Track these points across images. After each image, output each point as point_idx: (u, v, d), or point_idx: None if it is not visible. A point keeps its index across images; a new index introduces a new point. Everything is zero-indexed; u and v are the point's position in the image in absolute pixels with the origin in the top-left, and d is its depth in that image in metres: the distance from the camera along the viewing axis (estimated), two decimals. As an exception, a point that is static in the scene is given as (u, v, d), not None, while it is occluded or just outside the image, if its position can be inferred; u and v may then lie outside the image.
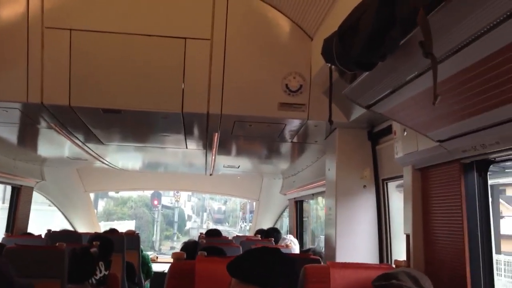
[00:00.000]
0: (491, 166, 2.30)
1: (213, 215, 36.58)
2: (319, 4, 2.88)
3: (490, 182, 2.33)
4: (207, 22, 3.30)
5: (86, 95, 3.28)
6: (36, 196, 7.42)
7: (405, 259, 2.66)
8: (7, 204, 6.75)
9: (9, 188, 6.69)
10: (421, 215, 2.59)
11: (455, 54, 1.47)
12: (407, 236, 2.69)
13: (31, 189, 6.86)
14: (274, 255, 1.87)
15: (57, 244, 3.40)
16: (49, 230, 5.45)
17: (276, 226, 9.43)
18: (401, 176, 2.92)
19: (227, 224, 34.84)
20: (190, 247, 4.68)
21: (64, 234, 5.49)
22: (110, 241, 4.36)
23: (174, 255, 2.44)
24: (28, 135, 4.79)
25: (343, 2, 2.54)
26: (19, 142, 5.17)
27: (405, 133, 2.64)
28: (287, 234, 7.20)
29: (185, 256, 2.48)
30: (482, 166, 2.26)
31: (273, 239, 5.75)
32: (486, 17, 1.26)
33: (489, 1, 1.19)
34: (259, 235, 6.37)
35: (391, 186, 3.60)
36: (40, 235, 5.52)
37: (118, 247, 4.99)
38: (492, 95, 1.61)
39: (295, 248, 5.56)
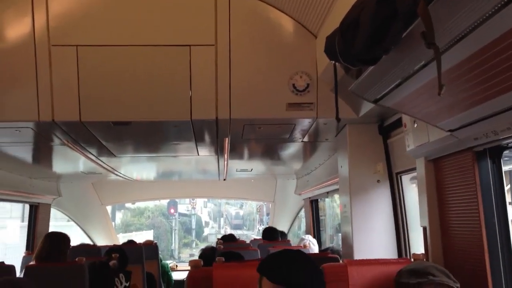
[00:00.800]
0: (505, 152, 2.28)
1: (230, 220, 36.51)
2: (320, 1, 2.88)
3: (506, 168, 2.31)
4: (211, 28, 3.31)
5: (95, 109, 3.31)
6: (55, 212, 7.49)
7: (423, 252, 2.64)
8: (26, 223, 6.82)
9: (27, 206, 6.77)
10: (436, 207, 2.57)
11: (459, 42, 1.46)
12: (424, 229, 2.68)
13: (48, 206, 6.93)
14: (306, 258, 1.89)
15: (76, 259, 3.43)
16: (68, 245, 5.49)
17: (292, 226, 9.44)
18: (414, 169, 2.90)
19: (245, 227, 34.83)
20: (208, 254, 4.70)
21: (83, 249, 5.53)
22: (124, 251, 4.40)
23: (192, 263, 2.45)
24: (42, 153, 4.85)
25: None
26: (34, 160, 5.23)
27: (415, 125, 2.62)
28: (304, 234, 7.17)
29: (202, 263, 2.49)
30: (495, 153, 2.24)
31: (290, 240, 5.73)
32: (486, 3, 1.25)
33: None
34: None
35: (405, 179, 3.58)
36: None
37: (137, 258, 5.03)
38: (499, 80, 1.60)
39: (314, 249, 5.52)
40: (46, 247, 3.64)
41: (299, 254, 1.91)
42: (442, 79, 1.40)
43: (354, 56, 1.70)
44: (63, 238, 3.83)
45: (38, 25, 3.22)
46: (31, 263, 3.76)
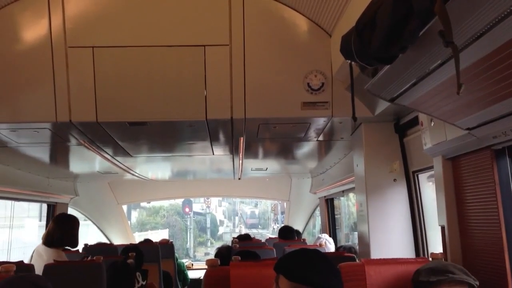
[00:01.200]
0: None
1: (245, 219, 36.41)
2: (335, 0, 2.87)
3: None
4: (225, 28, 3.32)
5: (112, 110, 3.34)
6: (71, 212, 7.58)
7: (441, 251, 2.61)
8: (44, 222, 6.92)
9: (45, 205, 6.86)
10: (455, 206, 2.54)
11: (477, 40, 1.44)
12: (442, 228, 2.65)
13: (66, 206, 7.02)
14: (323, 257, 1.88)
15: (94, 258, 3.47)
16: (85, 244, 5.56)
17: (307, 225, 9.42)
18: (431, 167, 2.88)
19: (260, 226, 34.83)
20: (224, 253, 4.71)
21: (100, 247, 5.59)
22: (140, 250, 4.43)
23: (208, 262, 2.46)
24: (59, 153, 4.91)
25: (359, -4, 2.52)
26: (51, 161, 5.29)
27: (432, 123, 2.60)
28: (320, 233, 7.15)
29: (219, 262, 2.50)
30: (515, 151, 2.21)
31: (305, 239, 5.72)
32: (504, 2, 1.23)
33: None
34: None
35: (422, 177, 3.55)
36: (77, 250, 5.65)
37: (154, 257, 5.07)
38: (518, 78, 1.58)
39: (331, 247, 5.51)
40: (57, 231, 3.66)
41: (317, 253, 1.90)
42: (460, 77, 1.39)
43: (370, 55, 1.69)
44: (73, 221, 3.86)
45: (54, 27, 3.26)
46: (40, 246, 3.77)
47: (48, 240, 3.65)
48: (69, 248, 4.17)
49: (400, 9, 1.49)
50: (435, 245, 3.33)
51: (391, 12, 1.51)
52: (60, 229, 3.70)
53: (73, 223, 3.85)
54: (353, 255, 3.77)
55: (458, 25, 1.39)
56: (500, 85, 1.68)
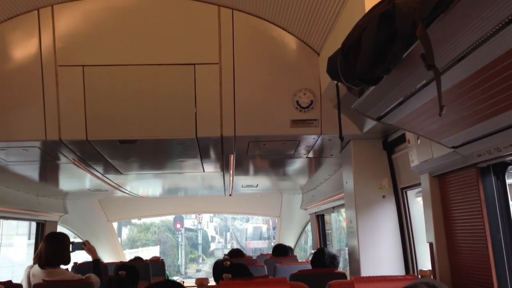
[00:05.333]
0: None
1: (246, 243, 35.01)
2: (323, 19, 2.92)
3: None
4: (215, 47, 3.35)
5: (102, 128, 3.35)
6: (61, 230, 7.50)
7: (430, 268, 2.63)
8: (33, 240, 6.83)
9: (34, 224, 6.78)
10: (442, 223, 2.57)
11: (459, 62, 1.48)
12: (431, 245, 2.67)
13: (55, 224, 6.95)
14: None
15: (84, 277, 3.44)
16: (75, 263, 5.49)
17: (299, 241, 9.40)
18: (420, 184, 2.90)
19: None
20: (221, 266, 4.66)
21: (90, 266, 5.52)
22: (135, 268, 4.40)
23: (198, 281, 2.45)
24: (48, 171, 4.89)
25: (346, 16, 2.57)
26: (41, 178, 5.26)
27: (419, 141, 2.64)
28: (312, 248, 7.15)
29: (208, 281, 2.48)
30: (499, 169, 2.24)
31: (297, 255, 5.72)
32: (484, 26, 1.27)
33: (484, 12, 1.20)
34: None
35: (411, 193, 3.58)
36: (67, 269, 5.58)
37: (144, 275, 5.03)
38: (500, 99, 1.61)
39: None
40: (50, 249, 3.63)
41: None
42: (443, 98, 1.42)
43: (356, 76, 1.72)
44: (64, 238, 3.84)
45: (44, 46, 3.28)
46: (33, 266, 3.74)
47: (41, 261, 3.61)
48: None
49: (384, 32, 1.53)
50: (424, 261, 3.35)
51: (375, 35, 1.55)
52: (52, 248, 3.67)
53: (64, 241, 3.82)
54: (344, 272, 3.78)
55: (439, 48, 1.42)
56: (482, 105, 1.72)
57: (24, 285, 3.74)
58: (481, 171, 2.26)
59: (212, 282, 2.78)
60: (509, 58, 1.38)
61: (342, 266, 7.74)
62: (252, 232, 30.02)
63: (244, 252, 6.57)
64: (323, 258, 4.00)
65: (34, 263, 3.82)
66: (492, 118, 1.76)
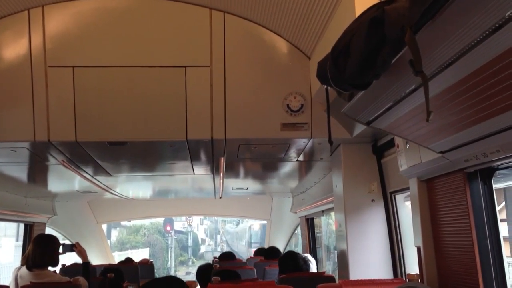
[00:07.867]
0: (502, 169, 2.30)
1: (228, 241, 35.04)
2: (314, 24, 2.93)
3: (502, 185, 2.32)
4: (206, 49, 3.35)
5: (91, 129, 3.33)
6: (49, 231, 7.45)
7: (417, 271, 2.65)
8: (21, 242, 6.77)
9: (22, 225, 6.73)
10: (430, 227, 2.59)
11: (446, 69, 1.50)
12: (418, 249, 2.69)
13: (43, 225, 6.90)
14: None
15: (71, 280, 3.42)
16: (63, 265, 5.45)
17: (290, 244, 9.41)
18: (408, 188, 2.92)
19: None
20: (205, 271, 4.66)
21: (78, 268, 5.48)
22: (120, 271, 4.39)
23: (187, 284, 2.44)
24: (37, 172, 4.85)
25: (337, 21, 2.59)
26: (29, 180, 5.22)
27: (408, 145, 2.66)
28: (302, 252, 7.16)
29: (197, 284, 2.48)
30: (486, 174, 2.27)
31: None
32: (472, 33, 1.29)
33: (471, 20, 1.22)
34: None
35: (400, 197, 3.60)
36: (54, 271, 5.54)
37: (133, 277, 5.01)
38: (487, 105, 1.64)
39: (312, 267, 5.51)
40: (38, 251, 3.61)
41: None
42: (431, 104, 1.43)
43: (345, 81, 1.73)
44: (53, 240, 3.81)
45: (34, 47, 3.26)
46: (21, 268, 3.72)
47: (29, 263, 3.58)
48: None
49: (373, 38, 1.54)
50: (413, 264, 3.37)
51: (364, 40, 1.56)
52: (41, 250, 3.64)
53: (53, 242, 3.79)
54: (333, 275, 3.79)
55: (428, 54, 1.44)
56: (470, 111, 1.74)
57: (12, 287, 3.71)
58: (468, 176, 2.28)
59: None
60: (496, 65, 1.40)
61: (331, 269, 7.78)
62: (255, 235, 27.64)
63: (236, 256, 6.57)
64: (293, 262, 3.82)
65: (22, 265, 3.79)
66: (479, 124, 1.78)
